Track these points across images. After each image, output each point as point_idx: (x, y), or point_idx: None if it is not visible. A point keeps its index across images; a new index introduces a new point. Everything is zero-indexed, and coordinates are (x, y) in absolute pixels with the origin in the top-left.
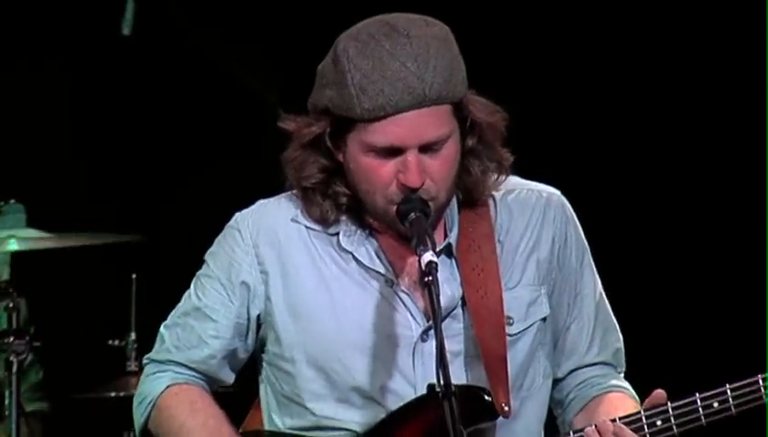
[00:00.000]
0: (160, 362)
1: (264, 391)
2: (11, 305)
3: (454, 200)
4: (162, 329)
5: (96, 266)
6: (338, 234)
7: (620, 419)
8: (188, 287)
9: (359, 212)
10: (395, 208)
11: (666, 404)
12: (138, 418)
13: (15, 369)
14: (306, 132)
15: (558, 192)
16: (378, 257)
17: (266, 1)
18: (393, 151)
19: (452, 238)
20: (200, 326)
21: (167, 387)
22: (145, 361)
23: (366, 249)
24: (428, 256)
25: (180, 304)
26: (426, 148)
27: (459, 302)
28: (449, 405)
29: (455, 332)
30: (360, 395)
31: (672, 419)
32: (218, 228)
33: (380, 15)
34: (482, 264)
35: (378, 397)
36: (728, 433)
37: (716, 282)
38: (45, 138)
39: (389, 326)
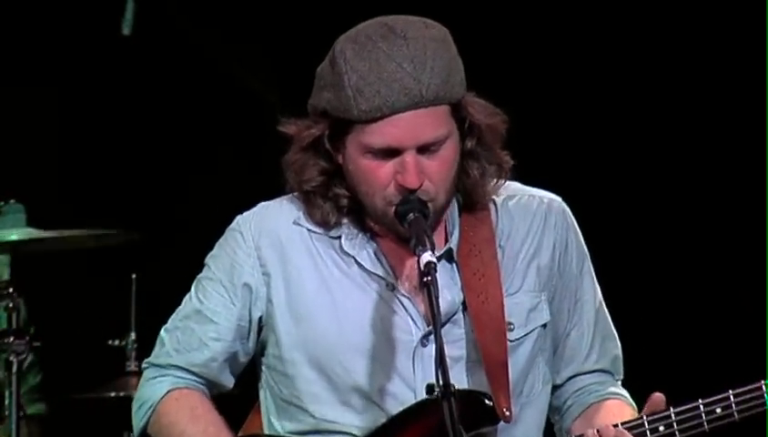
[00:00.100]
0: (160, 366)
1: (263, 396)
2: (11, 305)
3: (455, 204)
4: (162, 332)
5: (96, 266)
6: (339, 237)
7: (622, 424)
8: (189, 287)
9: (361, 215)
10: (394, 209)
11: (668, 409)
12: (138, 423)
13: (14, 369)
14: (305, 135)
15: (559, 199)
16: (380, 260)
17: (266, 1)
18: (391, 152)
19: (453, 242)
20: (201, 329)
21: (168, 392)
22: (144, 366)
23: (367, 253)
24: (426, 256)
25: (180, 308)
26: (424, 149)
27: (460, 307)
28: (448, 405)
29: (456, 337)
30: (360, 398)
31: (675, 425)
32: (219, 228)
33: (379, 17)
34: (483, 269)
35: (378, 400)
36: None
37: (717, 288)
38: (46, 138)
39: (389, 330)
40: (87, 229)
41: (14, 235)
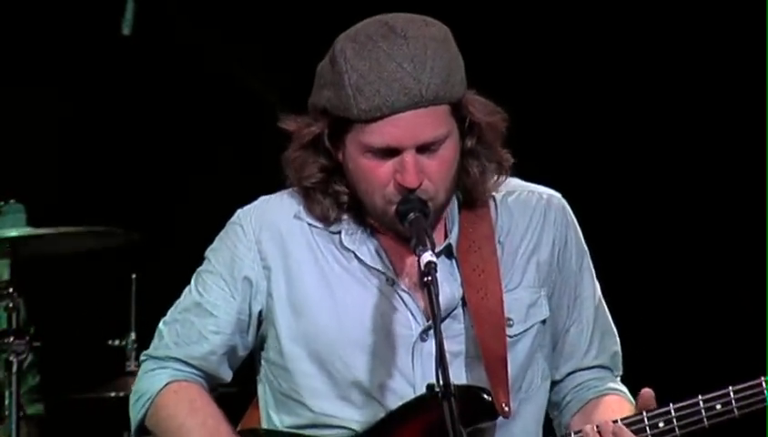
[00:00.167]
0: (159, 359)
1: (262, 390)
2: (11, 305)
3: (455, 201)
4: (161, 325)
5: (95, 266)
6: (339, 233)
7: (622, 420)
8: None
9: (361, 211)
10: (394, 208)
11: (668, 405)
12: (135, 415)
13: (14, 369)
14: (305, 132)
15: (558, 195)
16: (380, 256)
17: (266, 1)
18: (390, 152)
19: (453, 238)
20: (200, 322)
21: (166, 384)
22: (142, 358)
23: (367, 248)
24: (427, 256)
25: (180, 300)
26: (423, 149)
27: (460, 303)
28: (448, 406)
29: (455, 333)
30: (359, 393)
31: (675, 421)
32: (219, 228)
33: (379, 16)
34: (483, 265)
35: (378, 395)
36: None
37: (717, 284)
38: (45, 138)
39: (388, 325)
40: (86, 226)
41: (14, 231)
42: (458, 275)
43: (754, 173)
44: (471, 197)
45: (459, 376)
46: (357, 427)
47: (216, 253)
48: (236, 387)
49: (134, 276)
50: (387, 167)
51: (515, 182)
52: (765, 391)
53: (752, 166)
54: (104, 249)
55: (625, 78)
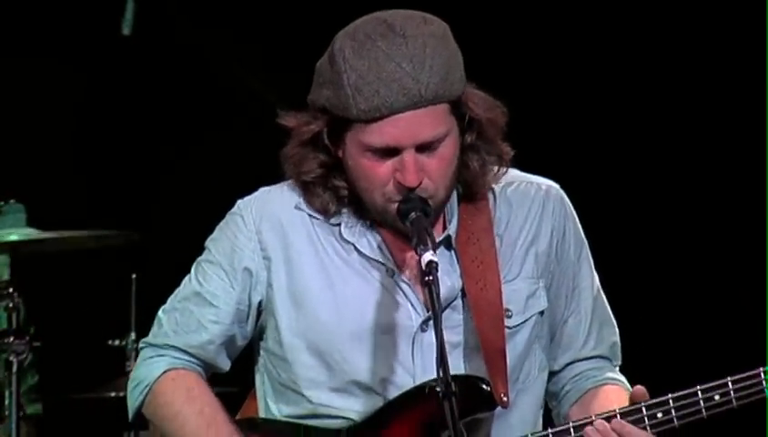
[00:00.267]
0: (157, 346)
1: (260, 380)
2: (11, 305)
3: (454, 193)
4: (160, 313)
5: (95, 266)
6: (339, 225)
7: (620, 410)
8: None
9: (361, 205)
10: (394, 206)
11: (666, 395)
12: (133, 402)
13: (14, 369)
14: (305, 130)
15: (557, 185)
16: (380, 248)
17: (265, 1)
18: (390, 151)
19: (452, 229)
20: (200, 311)
21: (164, 372)
22: (141, 345)
23: (367, 241)
24: (428, 255)
25: (179, 289)
26: (423, 148)
27: (459, 294)
28: (449, 406)
29: (454, 323)
30: (359, 384)
31: (673, 411)
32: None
33: (378, 13)
34: (481, 256)
35: (377, 386)
36: (728, 426)
37: (716, 275)
38: (45, 139)
39: (389, 316)
40: (88, 230)
41: (13, 235)
42: (457, 266)
43: (751, 163)
44: (471, 190)
45: (457, 367)
46: (356, 417)
47: (216, 243)
48: (236, 387)
49: (134, 276)
50: (386, 166)
51: (513, 173)
52: (764, 382)
53: (749, 155)
54: (104, 249)
55: (624, 70)
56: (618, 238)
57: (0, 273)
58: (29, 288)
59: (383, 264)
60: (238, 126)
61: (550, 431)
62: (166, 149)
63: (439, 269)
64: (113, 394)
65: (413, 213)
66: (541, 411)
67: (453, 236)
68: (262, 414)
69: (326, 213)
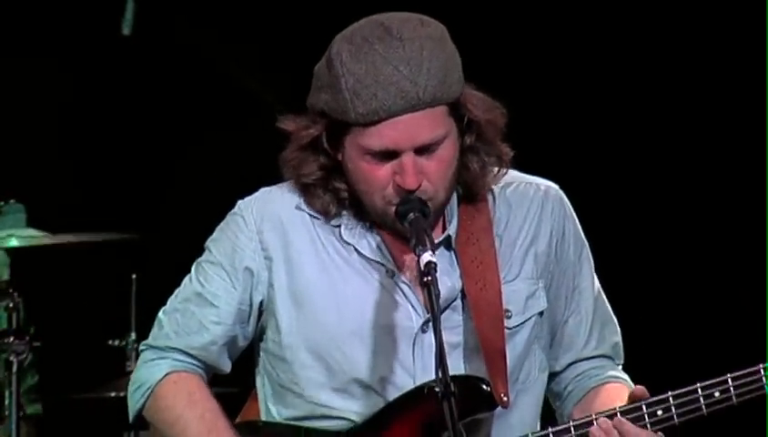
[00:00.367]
0: (159, 349)
1: (261, 382)
2: (11, 305)
3: (454, 194)
4: (160, 314)
5: (95, 266)
6: (340, 226)
7: (620, 409)
8: None
9: (361, 207)
10: (393, 208)
11: (666, 393)
12: (134, 404)
13: (15, 369)
14: (304, 134)
15: (556, 186)
16: (380, 249)
17: (264, 1)
18: (389, 154)
19: (451, 230)
20: (201, 312)
21: (166, 375)
22: (142, 347)
23: (367, 242)
24: (427, 256)
25: (180, 290)
26: (422, 150)
27: (459, 294)
28: (448, 406)
29: (454, 324)
30: (359, 384)
31: (673, 408)
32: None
33: (375, 16)
34: (481, 257)
35: (377, 387)
36: (728, 423)
37: (716, 272)
38: (46, 139)
39: (389, 316)
40: (88, 234)
41: (14, 241)
42: (457, 267)
43: (751, 163)
44: (471, 191)
45: (457, 367)
46: (356, 418)
47: (216, 243)
48: (236, 387)
49: (134, 276)
50: (386, 169)
51: (513, 174)
52: (764, 379)
53: (749, 155)
54: (104, 250)
55: (623, 70)
56: (617, 236)
57: (0, 273)
58: (29, 288)
59: (383, 265)
60: (238, 126)
61: (550, 430)
62: (166, 149)
63: (439, 269)
64: (113, 394)
65: (411, 214)
66: (540, 413)
67: (453, 236)
68: (263, 416)
69: (326, 214)
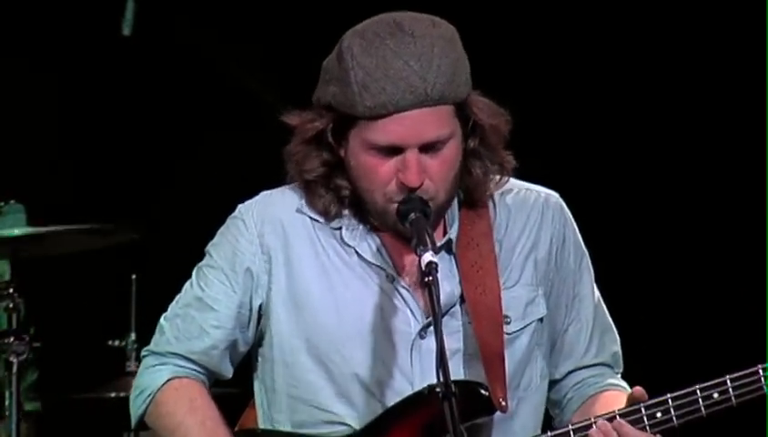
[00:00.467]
0: (160, 354)
1: (259, 388)
2: (11, 305)
3: (455, 199)
4: (162, 320)
5: (95, 266)
6: (340, 228)
7: (619, 411)
8: None
9: (361, 207)
10: (394, 206)
11: (665, 395)
12: (136, 410)
13: (15, 369)
14: (309, 127)
15: (556, 194)
16: (380, 252)
17: (264, 1)
18: (393, 150)
19: (452, 234)
20: (201, 316)
21: (168, 381)
22: (143, 354)
23: (368, 245)
24: (428, 256)
25: (180, 295)
26: (426, 148)
27: (458, 300)
28: (449, 407)
29: (453, 329)
30: (358, 389)
31: (672, 410)
32: (218, 229)
33: (387, 13)
34: (481, 262)
35: (376, 391)
36: (728, 425)
37: (715, 273)
38: (46, 139)
39: (388, 321)
40: (88, 224)
41: (15, 230)
42: (456, 272)
43: (750, 167)
44: (473, 197)
45: (457, 373)
46: (354, 423)
47: (217, 248)
48: (237, 388)
49: (134, 276)
50: (389, 165)
51: (513, 181)
52: (763, 380)
53: (749, 160)
54: (103, 249)
55: (623, 81)
56: (617, 237)
57: (0, 273)
58: (29, 288)
59: (383, 269)
60: (239, 126)
61: (549, 434)
62: (166, 150)
63: (439, 275)
64: (113, 394)
65: (413, 214)
66: (542, 420)
67: (454, 240)
68: (261, 422)
69: (327, 215)
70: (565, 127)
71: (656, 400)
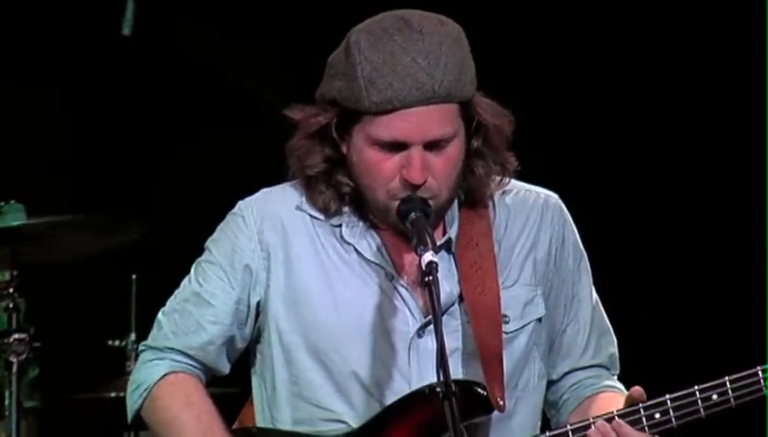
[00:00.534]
0: (157, 349)
1: (257, 385)
2: (11, 305)
3: (455, 199)
4: (160, 315)
5: (95, 266)
6: (340, 226)
7: (617, 412)
8: None
9: (362, 205)
10: (396, 204)
11: (664, 395)
12: (132, 405)
13: (15, 369)
14: (312, 122)
15: (555, 195)
16: (380, 251)
17: (264, 1)
18: (398, 146)
19: (452, 233)
20: (199, 312)
21: (164, 376)
22: (141, 348)
23: (367, 243)
24: (428, 256)
25: (179, 291)
26: (431, 146)
27: (457, 299)
28: (450, 406)
29: (452, 329)
30: (356, 386)
31: (671, 411)
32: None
33: (394, 11)
34: (480, 262)
35: (373, 389)
36: (727, 426)
37: (715, 274)
38: (46, 139)
39: (386, 320)
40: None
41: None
42: (455, 271)
43: (750, 169)
44: (474, 197)
45: (455, 372)
46: (352, 421)
47: (216, 244)
48: (237, 387)
49: (134, 276)
50: (393, 161)
51: (513, 182)
52: (762, 382)
53: (748, 163)
54: (104, 249)
55: (623, 82)
56: (616, 238)
57: (0, 273)
58: (29, 288)
59: (382, 268)
60: (239, 126)
61: (548, 434)
62: (166, 149)
63: (439, 271)
64: (113, 394)
65: (413, 213)
66: (540, 421)
67: (453, 239)
68: (259, 419)
69: (327, 212)
70: (564, 129)
71: (655, 400)
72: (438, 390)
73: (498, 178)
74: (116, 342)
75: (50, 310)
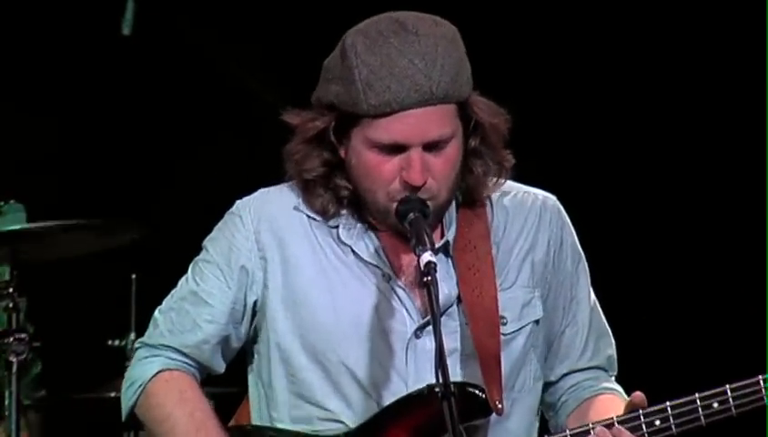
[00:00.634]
0: (153, 346)
1: (254, 384)
2: (11, 305)
3: (453, 200)
4: (156, 313)
5: (95, 266)
6: (338, 227)
7: (617, 419)
8: None
9: (360, 207)
10: (395, 206)
11: (664, 403)
12: (126, 402)
13: (14, 369)
14: (310, 126)
15: (554, 197)
16: (377, 252)
17: (265, 1)
18: (396, 148)
19: (450, 235)
20: (195, 310)
21: (158, 372)
22: (137, 345)
23: (365, 244)
24: (426, 256)
25: (176, 289)
26: (430, 147)
27: (455, 301)
28: (448, 406)
29: (450, 330)
30: (353, 387)
31: (671, 419)
32: None
33: (389, 13)
34: (478, 264)
35: (370, 390)
36: (727, 433)
37: (715, 282)
38: (46, 139)
39: (384, 320)
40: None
41: (17, 221)
42: (453, 273)
43: (751, 165)
44: (471, 197)
45: (453, 373)
46: (349, 421)
47: (213, 243)
48: (235, 387)
49: (134, 276)
50: (392, 163)
51: (510, 183)
52: (763, 390)
53: (748, 166)
54: (104, 249)
55: (621, 82)
56: (615, 245)
57: (0, 273)
58: (29, 287)
59: (379, 268)
60: (239, 126)
61: None
62: (166, 150)
63: (438, 277)
64: (113, 394)
65: (412, 214)
66: (537, 423)
67: (451, 242)
68: (255, 418)
69: (325, 214)
70: (562, 129)
71: (655, 407)
72: (436, 390)
73: (495, 179)
74: (116, 342)
75: (50, 310)
